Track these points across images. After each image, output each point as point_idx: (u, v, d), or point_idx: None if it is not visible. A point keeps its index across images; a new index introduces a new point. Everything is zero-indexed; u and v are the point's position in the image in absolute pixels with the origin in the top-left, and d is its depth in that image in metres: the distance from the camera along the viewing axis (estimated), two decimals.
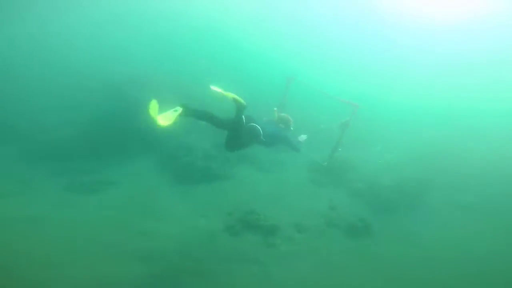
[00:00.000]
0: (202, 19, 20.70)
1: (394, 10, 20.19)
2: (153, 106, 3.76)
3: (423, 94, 18.28)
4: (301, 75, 6.46)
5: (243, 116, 4.34)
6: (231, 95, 4.07)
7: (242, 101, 4.11)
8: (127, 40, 17.96)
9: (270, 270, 5.97)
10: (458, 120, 14.77)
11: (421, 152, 11.37)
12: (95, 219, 6.92)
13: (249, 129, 4.35)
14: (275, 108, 5.40)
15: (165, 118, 3.76)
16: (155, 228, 6.83)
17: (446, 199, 9.23)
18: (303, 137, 5.40)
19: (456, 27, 19.71)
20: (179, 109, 3.89)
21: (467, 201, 8.99)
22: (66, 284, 4.68)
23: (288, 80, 5.96)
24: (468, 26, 19.27)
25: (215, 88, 4.09)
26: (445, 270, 6.30)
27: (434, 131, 13.32)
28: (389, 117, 14.69)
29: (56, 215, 6.82)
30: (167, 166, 9.86)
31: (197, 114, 4.10)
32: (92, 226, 6.57)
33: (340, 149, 5.48)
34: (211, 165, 9.55)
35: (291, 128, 5.15)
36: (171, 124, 3.73)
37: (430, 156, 11.03)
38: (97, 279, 4.89)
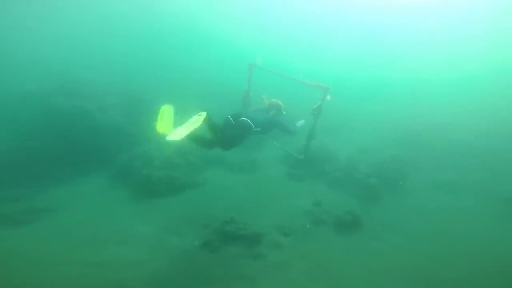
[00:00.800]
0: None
1: None
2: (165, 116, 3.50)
3: (390, 66, 18.75)
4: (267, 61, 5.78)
5: (229, 117, 4.38)
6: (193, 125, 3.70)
7: (202, 119, 3.79)
8: (52, 43, 15.55)
9: (261, 285, 5.16)
10: (427, 92, 15.06)
11: (394, 132, 11.31)
12: (23, 255, 5.33)
13: (239, 126, 4.35)
14: (264, 96, 5.32)
15: (185, 127, 3.47)
16: (112, 256, 5.54)
17: (427, 179, 9.12)
18: (300, 122, 5.45)
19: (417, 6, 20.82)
20: (203, 114, 3.70)
21: (448, 179, 8.94)
22: None
23: (250, 67, 5.74)
24: (428, 5, 20.55)
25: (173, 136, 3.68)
26: (440, 260, 5.88)
27: (405, 107, 13.45)
28: (358, 96, 14.59)
29: None
30: (122, 182, 8.56)
31: (214, 126, 4.04)
32: (18, 264, 5.00)
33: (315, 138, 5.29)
34: (175, 174, 8.33)
35: (283, 112, 5.17)
36: (192, 133, 3.47)
37: (404, 135, 10.98)
38: None
